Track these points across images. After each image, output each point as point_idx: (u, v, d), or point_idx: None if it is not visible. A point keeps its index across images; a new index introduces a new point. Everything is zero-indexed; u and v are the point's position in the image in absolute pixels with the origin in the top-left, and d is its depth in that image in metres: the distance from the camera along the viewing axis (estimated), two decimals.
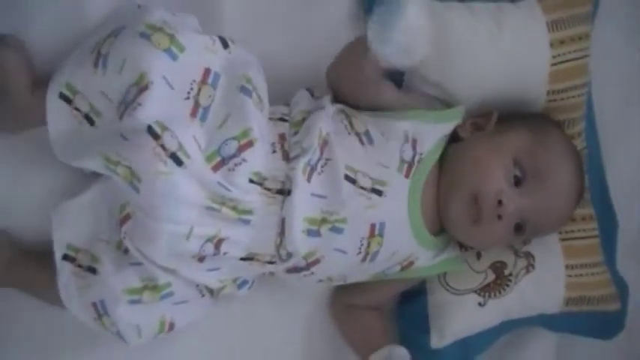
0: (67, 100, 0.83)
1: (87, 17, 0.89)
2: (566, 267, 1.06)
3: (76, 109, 0.83)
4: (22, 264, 0.92)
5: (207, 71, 0.83)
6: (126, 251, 0.86)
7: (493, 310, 1.05)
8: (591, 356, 1.20)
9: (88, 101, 0.83)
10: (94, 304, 0.86)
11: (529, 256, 1.06)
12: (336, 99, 0.96)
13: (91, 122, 0.84)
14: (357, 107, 0.96)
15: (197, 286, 0.90)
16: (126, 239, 0.84)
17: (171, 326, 0.90)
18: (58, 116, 0.84)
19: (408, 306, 1.08)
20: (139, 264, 0.85)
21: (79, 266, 0.87)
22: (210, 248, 0.84)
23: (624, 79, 1.18)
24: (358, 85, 0.93)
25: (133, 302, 0.85)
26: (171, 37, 0.80)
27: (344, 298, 1.06)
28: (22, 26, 0.89)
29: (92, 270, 0.87)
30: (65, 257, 0.88)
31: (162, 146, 0.78)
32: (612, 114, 1.16)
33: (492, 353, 1.13)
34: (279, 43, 1.00)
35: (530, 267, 1.05)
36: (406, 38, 0.83)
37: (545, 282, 1.06)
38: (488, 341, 1.10)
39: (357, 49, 0.89)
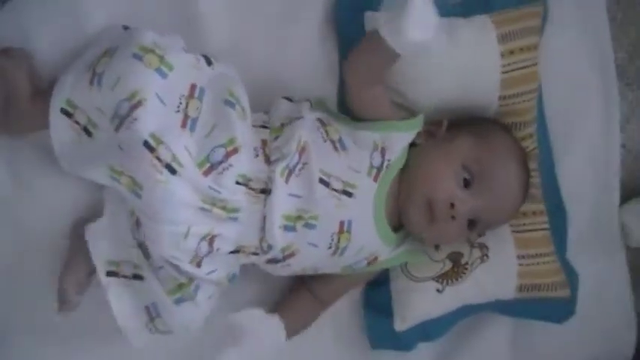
0: (68, 115, 0.91)
1: (85, 31, 0.96)
2: (518, 257, 1.15)
3: (76, 122, 0.92)
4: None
5: (193, 86, 0.91)
6: (149, 257, 0.95)
7: (451, 296, 1.13)
8: (546, 339, 1.28)
9: (86, 114, 0.91)
10: (147, 308, 0.95)
11: (483, 247, 1.14)
12: (348, 93, 1.02)
13: (89, 134, 0.92)
14: (341, 105, 1.05)
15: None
16: (145, 240, 0.93)
17: (208, 318, 0.99)
18: (60, 130, 0.92)
19: (373, 293, 1.16)
20: (162, 267, 0.94)
21: (125, 277, 0.96)
22: (205, 246, 0.93)
23: (573, 83, 1.26)
24: (368, 80, 0.99)
25: (178, 301, 0.94)
26: (161, 58, 0.88)
27: (308, 286, 1.10)
28: (26, 39, 0.95)
29: (138, 277, 0.95)
30: (109, 274, 0.95)
31: (158, 158, 0.86)
32: (562, 116, 1.25)
33: (453, 337, 1.22)
34: (258, 56, 1.07)
35: (484, 257, 1.14)
36: (418, 27, 0.88)
37: (498, 270, 1.14)
38: (448, 325, 1.19)
39: (369, 44, 0.96)
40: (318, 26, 1.10)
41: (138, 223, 0.94)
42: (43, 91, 0.94)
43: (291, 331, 1.04)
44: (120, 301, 0.95)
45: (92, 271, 0.98)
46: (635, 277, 1.37)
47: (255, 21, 1.08)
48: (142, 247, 0.96)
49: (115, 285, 0.95)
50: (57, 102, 0.91)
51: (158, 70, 0.88)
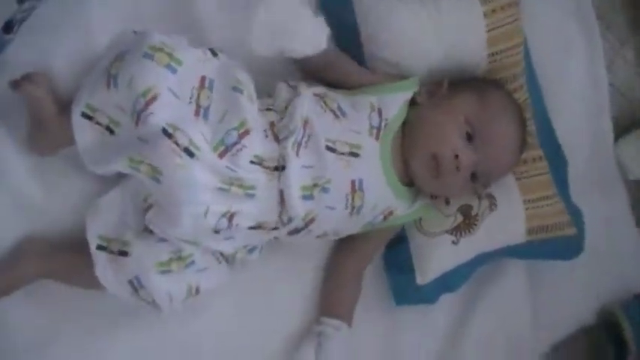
0: (89, 118, 0.98)
1: (96, 47, 1.03)
2: (524, 202, 1.21)
3: (98, 123, 0.98)
4: (58, 258, 1.04)
5: (203, 78, 0.99)
6: (151, 232, 1.01)
7: (466, 247, 1.20)
8: (560, 280, 1.35)
9: (107, 115, 0.98)
10: (130, 281, 1.01)
11: (491, 197, 1.21)
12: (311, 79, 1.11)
13: (112, 132, 0.99)
14: (331, 84, 1.12)
15: (213, 254, 1.06)
16: (150, 224, 1.00)
17: (197, 290, 1.05)
18: (83, 132, 0.98)
19: (393, 253, 1.23)
20: (164, 240, 1.00)
21: (112, 252, 1.01)
22: (224, 222, 1.00)
23: (556, 31, 1.33)
24: (315, 64, 1.09)
25: (163, 272, 1.00)
26: (170, 55, 0.96)
27: (342, 264, 1.19)
28: (43, 60, 1.01)
29: (124, 253, 1.01)
30: (99, 247, 1.01)
31: (176, 143, 0.93)
32: (549, 64, 1.31)
33: (472, 287, 1.28)
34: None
35: (492, 206, 1.21)
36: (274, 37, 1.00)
37: (507, 217, 1.21)
38: (466, 274, 1.25)
39: None
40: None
41: (148, 209, 1.00)
42: (66, 109, 1.00)
43: (351, 318, 1.17)
44: (104, 272, 1.00)
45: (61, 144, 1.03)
46: (637, 209, 1.44)
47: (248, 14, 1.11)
48: (146, 229, 1.02)
49: (101, 258, 1.00)
50: (77, 108, 0.98)
51: (168, 67, 0.95)
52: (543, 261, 1.31)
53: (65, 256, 1.05)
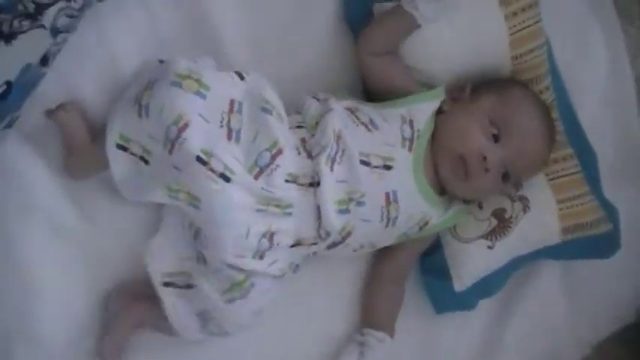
0: (124, 149, 0.99)
1: (122, 74, 1.05)
2: (557, 202, 1.21)
3: (132, 153, 1.00)
4: (139, 307, 1.07)
5: (232, 102, 1.00)
6: (205, 262, 1.02)
7: (501, 251, 1.20)
8: (594, 277, 1.35)
9: (140, 145, 0.99)
10: (199, 315, 1.03)
11: (524, 199, 1.21)
12: (359, 59, 1.13)
13: (146, 162, 1.00)
14: (365, 89, 1.13)
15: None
16: (202, 250, 1.01)
17: (259, 313, 1.06)
18: (119, 163, 1.00)
19: (429, 261, 1.23)
20: (220, 270, 1.00)
21: (178, 287, 1.03)
22: (265, 243, 1.00)
23: (578, 30, 1.33)
24: (379, 49, 1.11)
25: (229, 301, 1.01)
26: (198, 81, 0.97)
27: (380, 275, 1.20)
28: (73, 90, 1.04)
29: (189, 286, 1.03)
30: (165, 284, 1.03)
31: (212, 169, 0.94)
32: (573, 63, 1.31)
33: (508, 290, 1.28)
34: (278, 63, 1.14)
35: (526, 208, 1.20)
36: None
37: (541, 218, 1.21)
38: (504, 278, 1.25)
39: (389, 15, 1.10)
40: (331, 24, 1.17)
41: (197, 235, 1.02)
42: (98, 136, 1.02)
43: (393, 329, 1.19)
44: (174, 309, 1.03)
45: (130, 334, 1.07)
46: None
47: (269, 29, 1.14)
48: (199, 256, 1.03)
49: (169, 295, 1.03)
50: (111, 139, 1.00)
51: (197, 93, 0.96)
52: (579, 260, 1.30)
53: (147, 301, 1.07)
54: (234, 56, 1.11)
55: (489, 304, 1.28)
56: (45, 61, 0.97)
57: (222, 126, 0.98)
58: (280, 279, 1.08)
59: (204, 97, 0.97)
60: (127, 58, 1.06)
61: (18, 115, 1.00)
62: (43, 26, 0.92)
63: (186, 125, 0.94)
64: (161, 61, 1.03)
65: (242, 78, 1.03)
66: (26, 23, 0.90)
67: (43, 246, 1.04)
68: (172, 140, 0.95)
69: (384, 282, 1.20)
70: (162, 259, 1.05)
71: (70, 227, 1.07)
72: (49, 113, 1.02)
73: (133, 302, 1.07)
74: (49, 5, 0.91)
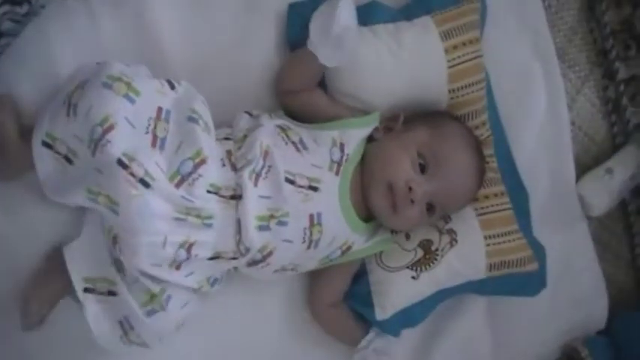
0: (49, 147, 0.98)
1: (59, 75, 1.04)
2: (485, 237, 1.21)
3: (57, 152, 0.98)
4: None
5: (160, 109, 0.99)
6: (124, 272, 1.01)
7: (426, 282, 1.20)
8: (521, 313, 1.35)
9: (66, 144, 0.97)
10: (120, 322, 1.01)
11: (451, 232, 1.21)
12: (279, 102, 1.13)
13: (70, 162, 0.98)
14: (294, 117, 1.13)
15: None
16: (120, 256, 0.99)
17: (180, 327, 1.05)
18: (43, 161, 0.99)
19: (353, 286, 1.22)
20: (136, 280, 0.99)
21: (101, 293, 1.01)
22: (183, 253, 0.99)
23: (518, 69, 1.35)
24: (295, 88, 1.12)
25: (149, 313, 1.00)
26: (129, 85, 0.96)
27: (316, 300, 1.20)
28: (7, 87, 1.03)
29: (112, 293, 1.01)
30: (86, 290, 1.01)
31: (132, 174, 0.93)
32: (511, 101, 1.33)
33: (433, 320, 1.28)
34: (218, 77, 1.14)
35: (453, 241, 1.21)
36: (339, 36, 1.04)
37: (468, 253, 1.21)
38: (427, 310, 1.25)
39: (298, 57, 1.10)
40: (273, 46, 1.17)
41: (114, 241, 1.00)
42: (28, 134, 1.00)
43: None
44: (95, 316, 1.01)
45: (60, 291, 1.05)
46: (598, 245, 1.45)
47: (212, 44, 1.14)
48: (117, 263, 1.01)
49: (90, 301, 1.01)
50: (38, 136, 0.98)
51: (126, 96, 0.95)
52: (506, 297, 1.31)
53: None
54: (175, 68, 1.11)
55: (413, 334, 1.28)
56: None
57: (147, 132, 0.97)
58: (199, 292, 1.06)
59: (133, 101, 0.96)
60: (66, 63, 1.05)
61: None
62: None
63: (111, 127, 0.93)
64: (98, 64, 1.02)
65: (173, 87, 1.03)
66: None
67: None
68: (96, 141, 0.93)
69: (330, 307, 1.20)
70: (82, 263, 1.03)
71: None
72: None
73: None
74: None
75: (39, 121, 0.99)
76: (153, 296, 1.00)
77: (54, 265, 1.04)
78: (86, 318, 1.01)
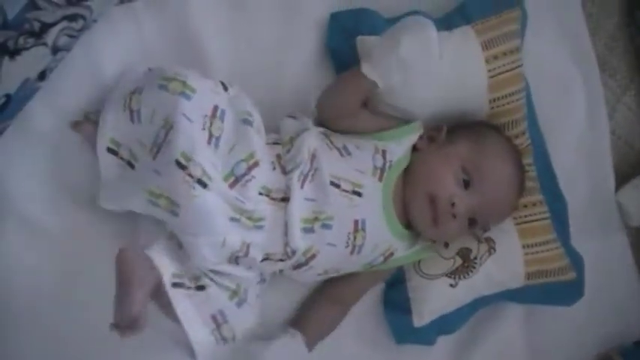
0: (114, 153, 1.02)
1: (106, 84, 1.07)
2: (523, 246, 1.22)
3: (121, 158, 1.02)
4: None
5: (215, 108, 1.00)
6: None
7: (464, 290, 1.21)
8: (558, 324, 1.35)
9: (129, 149, 1.01)
10: (214, 316, 1.00)
11: (490, 240, 1.22)
12: (320, 123, 1.14)
13: (132, 166, 1.01)
14: (336, 130, 1.13)
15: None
16: (187, 261, 1.00)
17: (260, 318, 1.07)
18: (107, 167, 1.02)
19: (392, 292, 1.24)
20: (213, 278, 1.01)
21: (189, 288, 0.99)
22: (241, 254, 1.01)
23: (558, 79, 1.35)
24: (343, 112, 1.12)
25: (239, 304, 1.02)
26: (184, 83, 0.98)
27: (332, 291, 1.18)
28: (58, 99, 1.07)
29: (201, 288, 1.00)
30: (175, 285, 0.97)
31: (190, 175, 0.94)
32: (551, 111, 1.33)
33: (470, 328, 1.29)
34: (260, 83, 1.16)
35: (491, 250, 1.21)
36: (399, 70, 1.03)
37: (506, 261, 1.21)
38: (465, 317, 1.26)
39: (348, 81, 1.10)
40: (314, 52, 1.19)
41: (179, 246, 1.01)
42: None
43: (314, 341, 1.14)
44: (186, 311, 0.98)
45: (149, 292, 0.98)
46: (637, 255, 1.44)
47: (253, 50, 1.17)
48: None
49: (180, 296, 0.98)
50: (103, 143, 1.02)
51: (182, 94, 0.98)
52: (542, 306, 1.31)
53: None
54: (215, 72, 1.13)
55: (449, 341, 1.28)
56: (42, 76, 1.01)
57: (204, 129, 0.98)
58: (263, 285, 1.08)
59: (189, 98, 0.98)
60: (113, 68, 1.08)
61: (9, 124, 1.03)
62: (45, 44, 0.97)
63: (171, 127, 0.96)
64: (150, 69, 1.05)
65: (226, 89, 1.05)
66: (30, 41, 0.96)
67: (18, 248, 1.05)
68: (159, 144, 0.96)
69: (336, 303, 1.19)
70: (167, 260, 0.99)
71: (46, 231, 1.07)
72: (76, 125, 1.06)
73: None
74: (52, 25, 0.96)
75: (101, 127, 1.02)
76: (235, 291, 1.02)
77: (130, 269, 0.95)
78: (177, 314, 0.97)
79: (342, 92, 1.11)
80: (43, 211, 1.07)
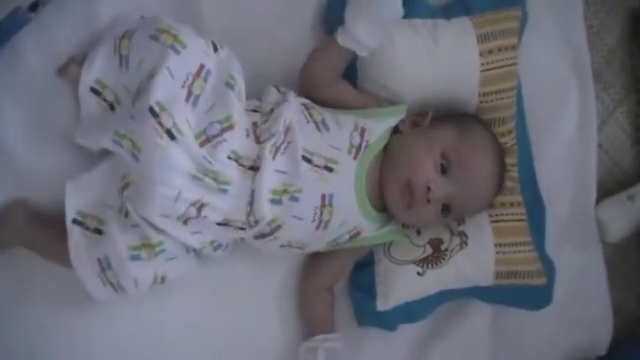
0: (97, 93, 1.03)
1: (98, 23, 1.07)
2: (495, 245, 1.21)
3: (104, 99, 1.02)
4: (34, 227, 1.06)
5: (201, 66, 1.01)
6: (127, 215, 1.02)
7: (431, 280, 1.20)
8: (525, 328, 1.34)
9: (114, 93, 1.02)
10: (99, 260, 1.01)
11: (463, 234, 1.21)
12: (304, 94, 1.13)
13: (112, 108, 1.02)
14: (319, 103, 1.13)
15: (184, 244, 1.06)
16: (126, 202, 1.01)
17: (163, 279, 1.06)
18: (88, 105, 1.03)
19: (359, 275, 1.23)
20: (138, 225, 1.01)
21: (87, 229, 1.02)
22: (193, 211, 1.01)
23: (552, 84, 1.35)
24: (320, 81, 1.12)
25: (133, 258, 1.01)
26: (175, 37, 0.99)
27: (313, 279, 1.20)
28: (47, 31, 1.06)
29: (98, 231, 1.02)
30: (74, 221, 1.02)
31: (160, 123, 0.95)
32: (542, 115, 1.32)
33: (434, 321, 1.28)
34: (254, 50, 1.15)
35: (463, 244, 1.21)
36: (376, 18, 1.03)
37: (476, 257, 1.21)
38: (429, 308, 1.25)
39: (326, 49, 1.10)
40: (311, 25, 1.19)
41: (126, 187, 1.02)
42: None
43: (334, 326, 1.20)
44: (76, 246, 1.01)
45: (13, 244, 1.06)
46: (611, 271, 1.44)
47: (251, 17, 1.17)
48: (122, 207, 1.03)
49: (76, 233, 1.02)
50: (86, 81, 1.03)
51: (172, 47, 0.99)
52: (510, 308, 1.30)
53: (46, 228, 1.06)
54: (210, 34, 1.11)
55: (412, 331, 1.28)
56: (34, 7, 1.00)
57: (183, 86, 1.00)
58: (200, 254, 1.08)
59: (178, 52, 0.99)
60: (107, 14, 1.08)
61: None
62: None
63: (152, 77, 0.96)
64: (143, 17, 1.06)
65: (216, 50, 1.05)
66: None
67: None
68: (140, 91, 0.97)
69: (322, 289, 1.20)
70: (83, 197, 1.04)
71: (19, 166, 1.07)
72: (61, 71, 1.05)
73: (32, 220, 1.05)
74: None
75: (87, 66, 1.03)
76: (147, 245, 1.01)
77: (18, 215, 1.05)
78: (69, 247, 1.01)
79: (321, 59, 1.12)
80: (21, 143, 1.06)
